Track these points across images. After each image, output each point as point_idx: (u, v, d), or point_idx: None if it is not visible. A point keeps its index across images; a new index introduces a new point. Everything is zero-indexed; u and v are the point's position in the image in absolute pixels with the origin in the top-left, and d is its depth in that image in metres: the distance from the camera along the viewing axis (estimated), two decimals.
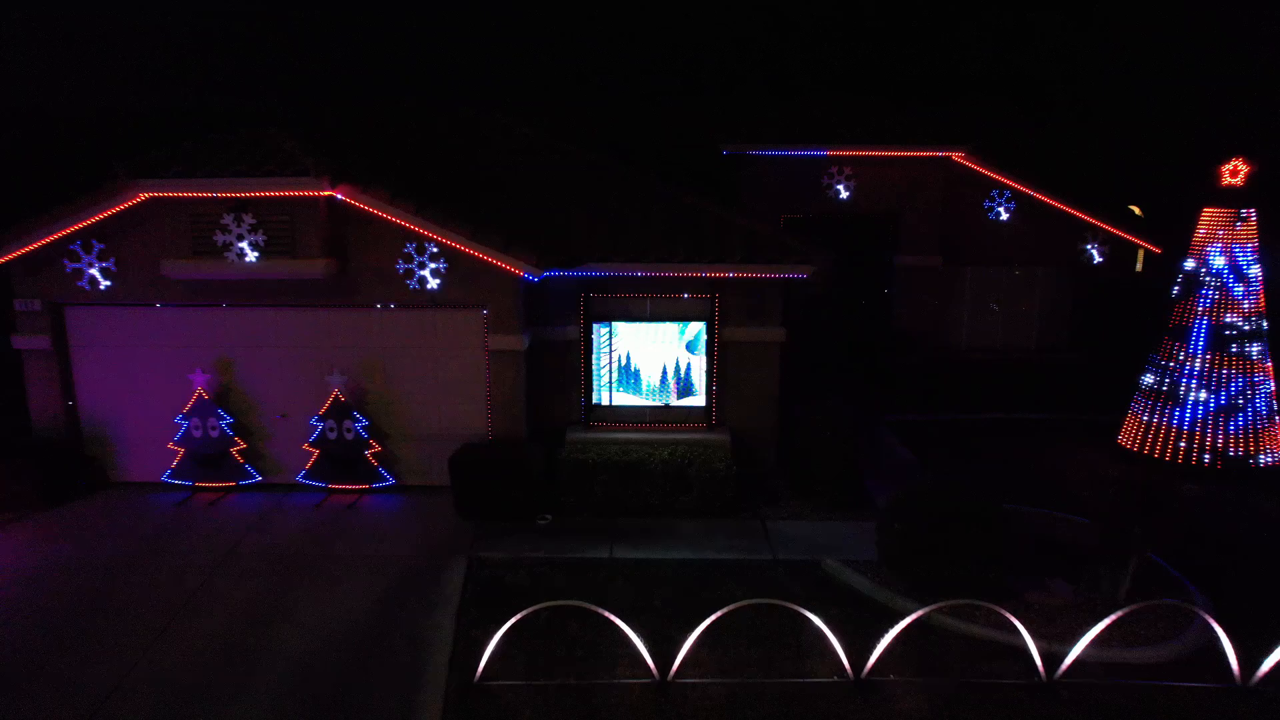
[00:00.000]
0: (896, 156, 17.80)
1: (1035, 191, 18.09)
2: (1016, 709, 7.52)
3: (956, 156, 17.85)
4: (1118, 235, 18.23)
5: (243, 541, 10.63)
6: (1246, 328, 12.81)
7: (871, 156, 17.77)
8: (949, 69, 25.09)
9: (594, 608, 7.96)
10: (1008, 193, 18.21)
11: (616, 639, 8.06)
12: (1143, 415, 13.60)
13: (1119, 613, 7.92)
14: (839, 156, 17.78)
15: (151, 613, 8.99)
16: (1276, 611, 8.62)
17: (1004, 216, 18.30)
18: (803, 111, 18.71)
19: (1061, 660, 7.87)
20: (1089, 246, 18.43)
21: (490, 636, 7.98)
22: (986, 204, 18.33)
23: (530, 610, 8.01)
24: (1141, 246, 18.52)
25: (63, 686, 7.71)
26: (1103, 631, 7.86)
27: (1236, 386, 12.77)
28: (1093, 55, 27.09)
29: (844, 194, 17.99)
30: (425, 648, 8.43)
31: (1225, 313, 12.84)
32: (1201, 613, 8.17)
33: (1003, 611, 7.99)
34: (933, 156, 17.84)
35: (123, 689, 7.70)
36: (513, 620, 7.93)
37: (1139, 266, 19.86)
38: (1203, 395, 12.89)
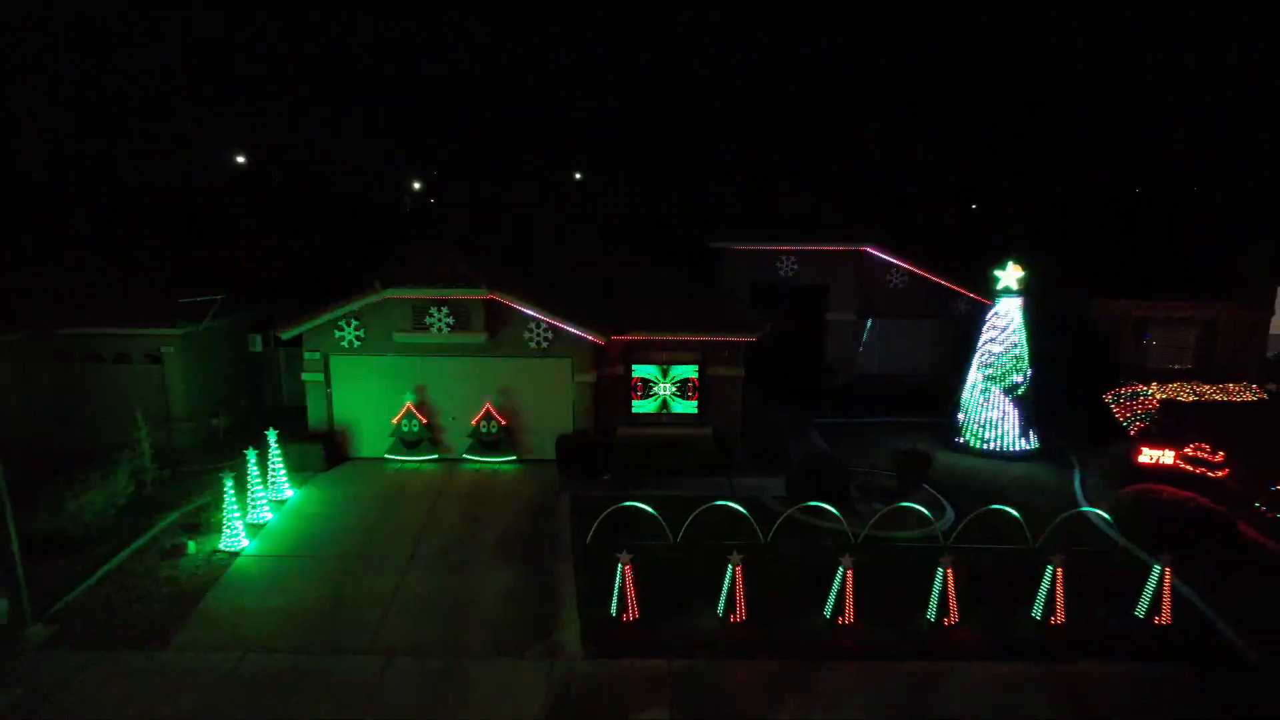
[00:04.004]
0: (826, 250, 26.76)
1: (919, 269, 26.94)
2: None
3: (866, 248, 26.77)
4: (974, 298, 27.06)
5: (443, 487, 19.45)
6: (1006, 368, 21.70)
7: (809, 250, 26.74)
8: (868, 169, 34.03)
9: (643, 506, 16.84)
10: (902, 269, 27.08)
11: (652, 528, 16.90)
12: (958, 417, 22.55)
13: (880, 512, 16.77)
14: (787, 250, 26.73)
15: (412, 519, 17.80)
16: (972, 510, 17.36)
17: (900, 285, 27.19)
18: (764, 210, 27.59)
19: (860, 536, 16.72)
20: (957, 305, 27.29)
21: (589, 527, 16.83)
22: (887, 276, 27.19)
23: (608, 511, 16.90)
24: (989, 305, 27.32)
25: (386, 552, 16.46)
26: (887, 523, 16.69)
27: (999, 401, 21.68)
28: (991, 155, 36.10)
29: (791, 272, 26.92)
30: (556, 533, 17.24)
31: (995, 357, 21.73)
32: (932, 517, 17.05)
33: (837, 513, 16.86)
34: (850, 249, 26.78)
35: (417, 554, 16.43)
36: (601, 517, 16.82)
37: None
38: (981, 407, 21.81)
